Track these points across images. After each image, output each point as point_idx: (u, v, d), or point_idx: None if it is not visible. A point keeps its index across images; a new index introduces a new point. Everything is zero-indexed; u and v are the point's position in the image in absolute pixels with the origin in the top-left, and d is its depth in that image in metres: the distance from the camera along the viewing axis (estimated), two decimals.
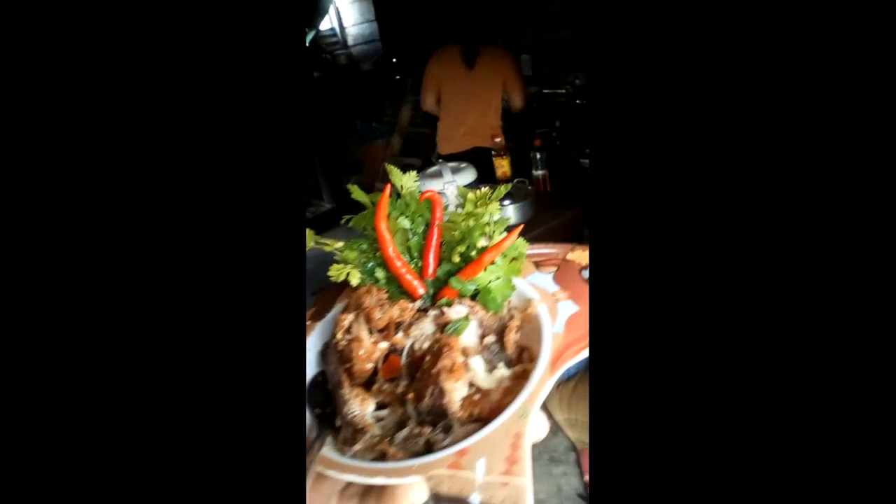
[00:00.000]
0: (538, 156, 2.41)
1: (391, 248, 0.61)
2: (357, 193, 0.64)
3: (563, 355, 0.50)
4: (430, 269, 0.62)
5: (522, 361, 0.55)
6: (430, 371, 0.51)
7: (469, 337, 0.56)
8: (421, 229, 0.64)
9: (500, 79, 2.76)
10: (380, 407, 0.54)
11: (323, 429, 0.52)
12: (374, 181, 3.06)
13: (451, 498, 0.41)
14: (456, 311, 0.57)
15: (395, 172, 0.65)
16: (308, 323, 0.64)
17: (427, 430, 0.49)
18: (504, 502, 0.40)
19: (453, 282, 0.59)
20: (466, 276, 0.59)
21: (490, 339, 0.56)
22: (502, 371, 0.54)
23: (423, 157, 2.95)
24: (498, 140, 2.53)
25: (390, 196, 0.62)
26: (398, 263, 0.61)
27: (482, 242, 0.60)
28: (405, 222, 0.63)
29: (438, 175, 2.18)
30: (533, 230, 2.13)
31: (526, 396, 0.47)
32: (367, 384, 0.56)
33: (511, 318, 0.58)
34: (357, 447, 0.50)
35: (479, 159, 2.46)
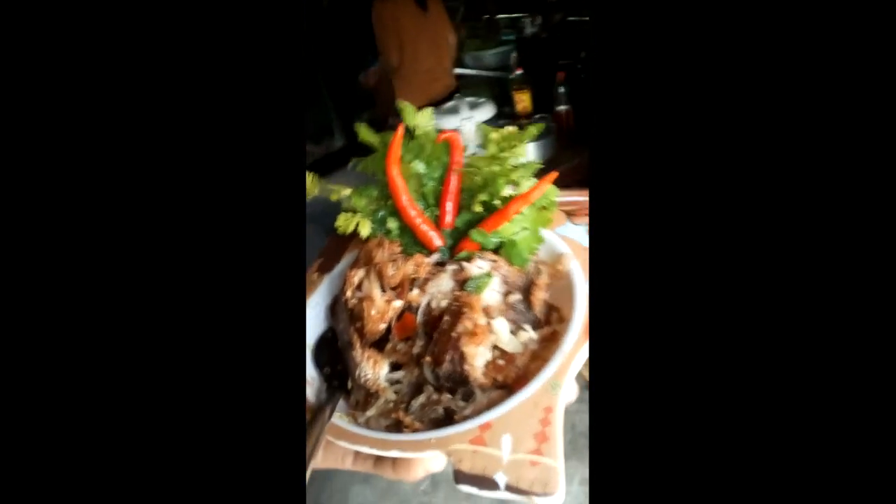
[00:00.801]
0: (561, 90, 2.27)
1: (404, 196, 0.54)
2: (365, 134, 0.57)
3: None
4: (449, 219, 0.56)
5: (551, 323, 0.50)
6: (448, 333, 0.47)
7: (491, 295, 0.51)
8: (438, 174, 0.57)
9: (447, 18, 2.65)
10: (394, 368, 0.50)
11: (333, 391, 0.49)
12: (387, 116, 2.96)
13: (475, 476, 0.38)
14: (477, 267, 0.52)
15: (408, 110, 0.57)
16: (315, 276, 0.59)
17: (446, 396, 0.45)
18: (533, 485, 0.36)
19: (474, 234, 0.53)
20: (489, 228, 0.53)
21: (515, 297, 0.51)
22: (529, 333, 0.49)
23: None
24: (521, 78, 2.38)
25: (403, 137, 0.55)
26: (412, 212, 0.55)
27: (507, 191, 0.54)
28: (420, 166, 0.56)
29: (455, 111, 2.07)
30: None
31: (557, 365, 0.42)
32: (380, 343, 0.51)
33: (538, 273, 0.53)
34: (370, 413, 0.47)
35: None
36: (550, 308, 0.51)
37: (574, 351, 0.43)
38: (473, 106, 2.09)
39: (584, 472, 1.73)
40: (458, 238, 0.56)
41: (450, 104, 2.14)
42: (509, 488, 0.36)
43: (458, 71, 2.84)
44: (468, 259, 0.53)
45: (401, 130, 0.54)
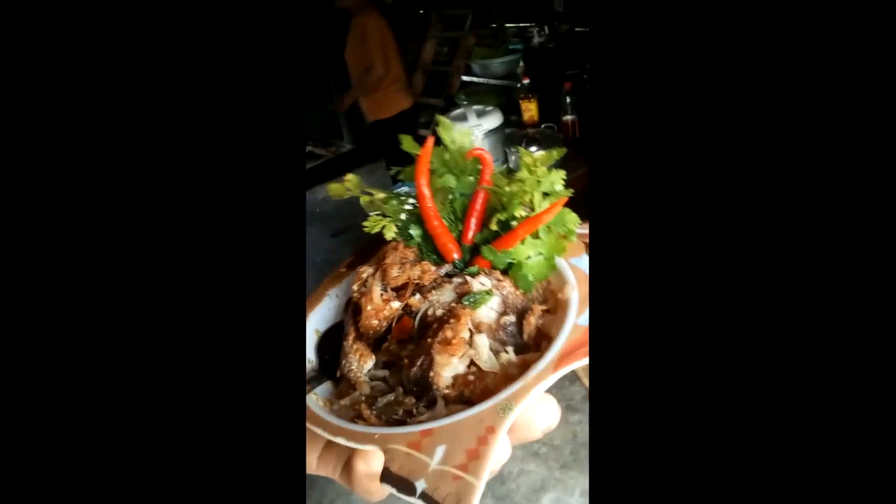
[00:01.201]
0: (568, 99, 2.28)
1: (429, 205, 0.56)
2: (408, 145, 0.59)
3: (576, 353, 0.43)
4: (471, 234, 0.57)
5: (541, 350, 0.48)
6: (430, 338, 0.48)
7: (487, 312, 0.51)
8: (467, 189, 0.58)
9: None
10: (387, 366, 0.52)
11: (322, 374, 0.52)
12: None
13: (398, 478, 0.38)
14: (479, 283, 0.52)
15: (444, 124, 0.59)
16: (343, 270, 0.63)
17: (410, 400, 0.46)
18: (447, 498, 0.35)
19: (485, 251, 0.53)
20: (499, 247, 0.53)
21: (509, 318, 0.51)
22: (510, 356, 0.48)
23: (446, 97, 2.82)
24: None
25: (441, 149, 0.57)
26: (435, 223, 0.56)
27: (521, 212, 0.54)
28: (451, 180, 0.58)
29: (463, 118, 2.07)
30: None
31: (515, 390, 0.41)
32: (379, 342, 0.53)
33: (545, 300, 0.52)
34: (344, 402, 0.48)
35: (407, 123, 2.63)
36: (543, 336, 0.50)
37: (538, 378, 0.41)
38: (481, 114, 2.09)
39: (584, 483, 1.74)
40: (474, 254, 0.56)
41: (457, 112, 2.14)
42: (423, 496, 0.36)
43: (466, 78, 2.86)
44: (475, 275, 0.53)
45: (430, 143, 0.56)
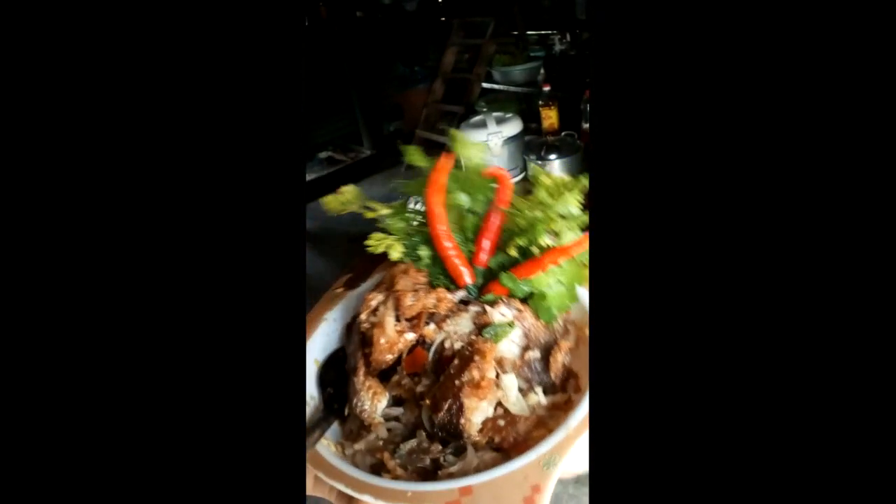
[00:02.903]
0: (588, 107, 2.24)
1: (442, 226, 0.52)
2: (415, 156, 0.55)
3: None
4: (483, 257, 0.53)
5: (567, 390, 0.46)
6: (453, 379, 0.44)
7: (509, 346, 0.48)
8: (481, 209, 0.54)
9: None
10: (396, 403, 0.48)
11: (329, 413, 0.47)
12: (415, 128, 2.95)
13: None
14: (500, 313, 0.48)
15: (461, 140, 0.55)
16: (340, 290, 0.58)
17: (436, 447, 0.43)
18: None
19: (504, 278, 0.50)
20: (521, 275, 0.50)
21: (534, 354, 0.47)
22: (538, 397, 0.45)
23: (466, 104, 2.81)
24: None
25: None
26: (447, 244, 0.52)
27: (546, 240, 0.50)
28: (464, 199, 0.54)
29: (482, 125, 2.04)
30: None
31: (558, 441, 0.38)
32: (387, 374, 0.49)
33: (565, 334, 0.49)
34: (359, 446, 0.45)
35: None
36: (569, 374, 0.47)
37: (581, 428, 0.39)
38: (501, 121, 2.05)
39: None
40: (488, 279, 0.53)
41: (477, 118, 2.11)
42: None
43: (486, 85, 2.84)
44: (493, 303, 0.49)
45: (446, 159, 0.52)
